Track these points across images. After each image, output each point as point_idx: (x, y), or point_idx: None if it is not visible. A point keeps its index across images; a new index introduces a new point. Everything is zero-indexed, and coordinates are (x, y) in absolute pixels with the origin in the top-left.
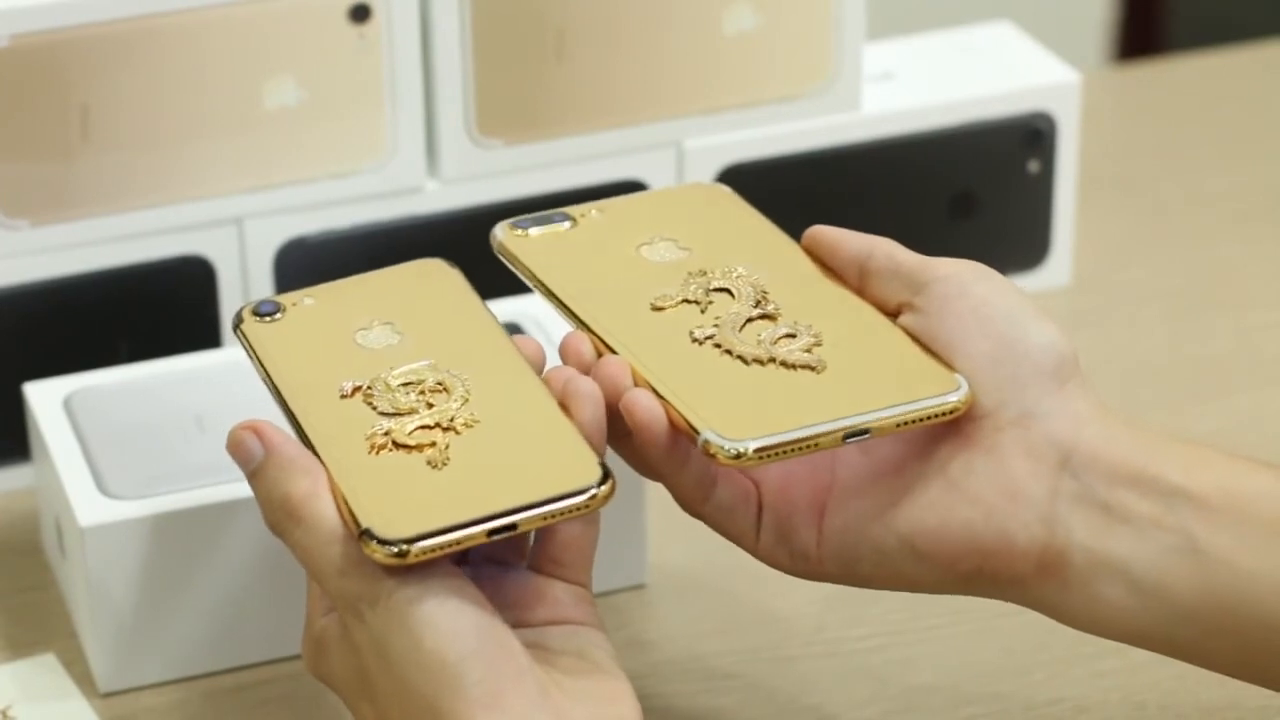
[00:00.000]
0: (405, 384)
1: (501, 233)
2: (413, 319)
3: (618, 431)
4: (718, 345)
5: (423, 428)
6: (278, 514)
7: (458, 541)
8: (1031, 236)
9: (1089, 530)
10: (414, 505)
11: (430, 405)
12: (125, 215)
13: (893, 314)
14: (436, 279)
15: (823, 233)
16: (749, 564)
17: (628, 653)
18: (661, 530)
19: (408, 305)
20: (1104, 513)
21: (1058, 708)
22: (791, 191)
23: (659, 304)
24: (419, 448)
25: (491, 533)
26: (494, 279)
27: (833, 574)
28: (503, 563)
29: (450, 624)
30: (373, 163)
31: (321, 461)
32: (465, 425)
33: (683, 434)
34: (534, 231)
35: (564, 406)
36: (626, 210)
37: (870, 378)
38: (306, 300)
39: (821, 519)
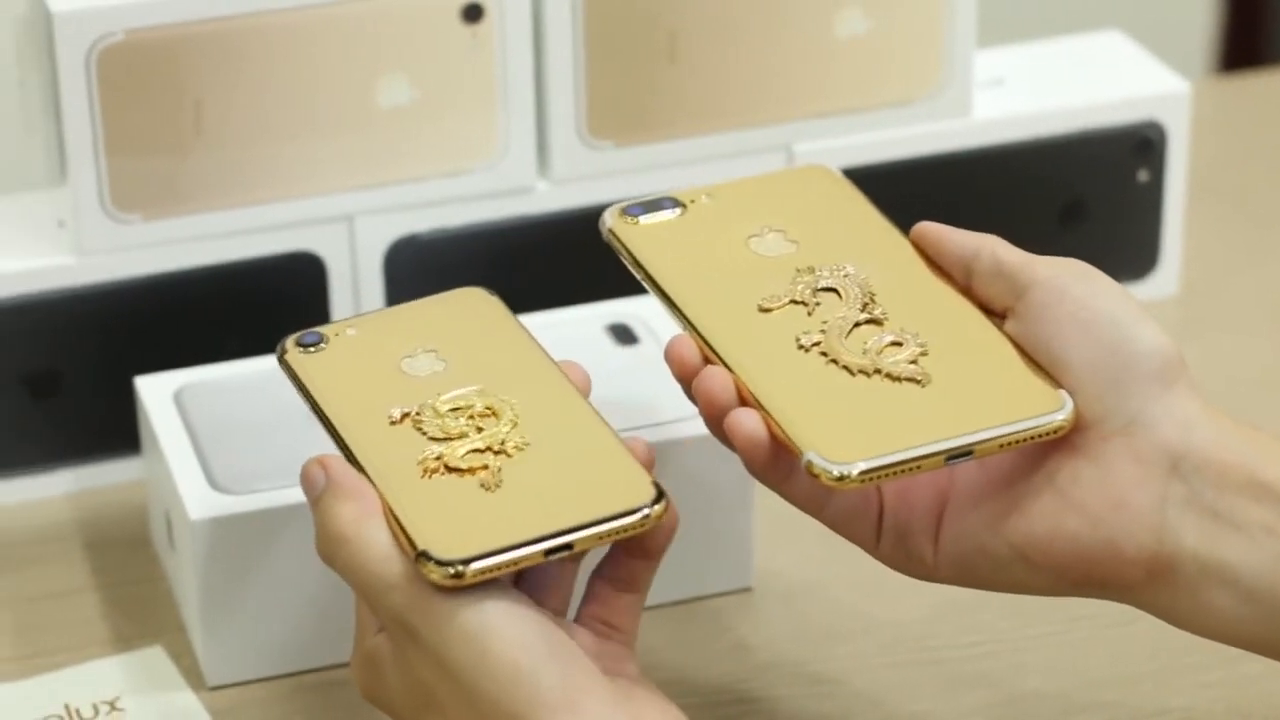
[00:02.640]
0: (454, 409)
1: (611, 219)
2: (457, 346)
3: (727, 441)
4: (824, 354)
5: (474, 451)
6: (329, 541)
7: (514, 561)
8: (1140, 245)
9: (1199, 536)
10: (469, 527)
11: (480, 429)
12: (237, 211)
13: (1000, 317)
14: (477, 307)
15: (930, 229)
16: (855, 569)
17: (733, 656)
18: (768, 534)
19: (451, 333)
20: (1214, 519)
21: (1165, 718)
22: (901, 197)
23: (766, 305)
24: (471, 471)
25: (548, 552)
26: (600, 278)
27: (948, 578)
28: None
29: (518, 631)
30: (484, 162)
31: (375, 486)
32: (516, 448)
33: (788, 453)
34: (644, 219)
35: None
36: (736, 195)
37: (975, 394)
38: (349, 330)
39: (939, 527)
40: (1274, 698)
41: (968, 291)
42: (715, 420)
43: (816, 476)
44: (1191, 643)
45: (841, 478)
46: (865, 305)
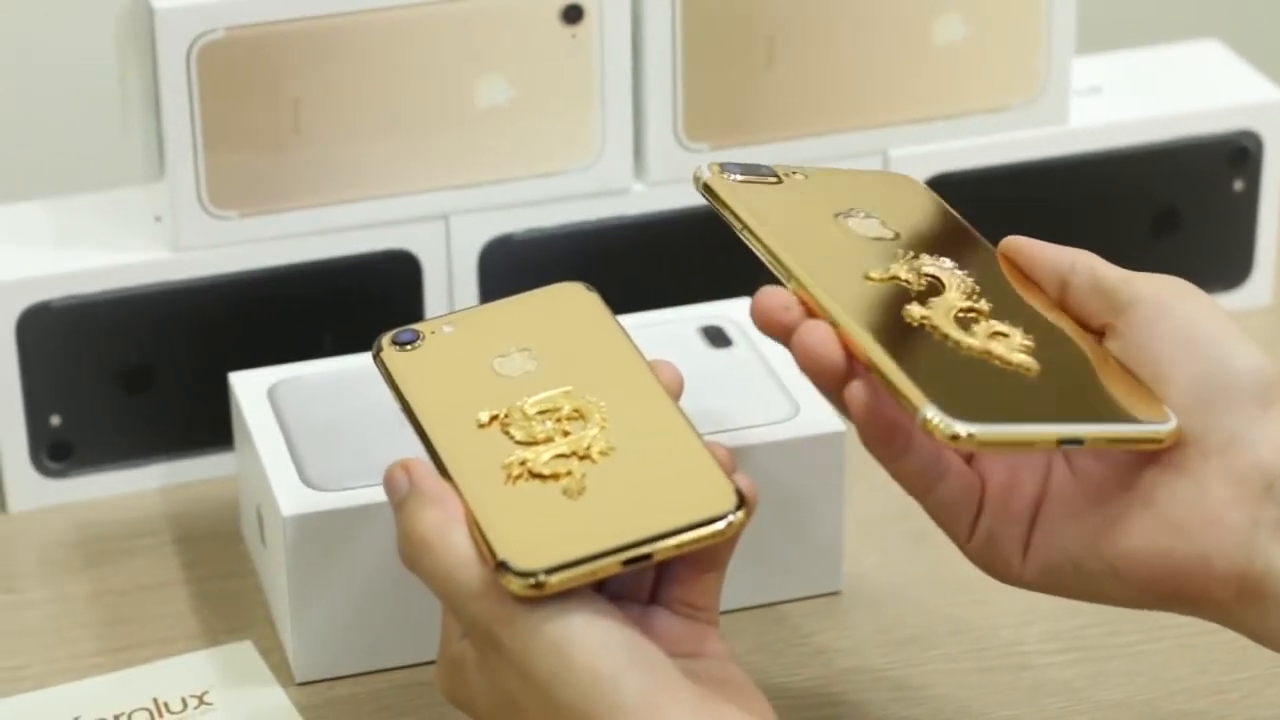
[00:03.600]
0: (541, 412)
1: (708, 172)
2: (550, 345)
3: (839, 401)
4: (934, 328)
5: (559, 456)
6: (412, 546)
7: (593, 572)
8: (1234, 255)
9: None
10: (549, 536)
11: (566, 433)
12: (333, 209)
13: (1096, 335)
14: (575, 303)
15: (1021, 242)
16: (944, 573)
17: (820, 659)
18: (857, 539)
19: (545, 331)
20: None
21: None
22: (996, 203)
23: (872, 275)
24: (555, 477)
25: (626, 562)
26: (695, 281)
27: (1032, 583)
28: (631, 599)
29: (599, 638)
30: (580, 163)
31: (458, 491)
32: (601, 453)
33: (900, 407)
34: (739, 178)
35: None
36: (831, 179)
37: (1084, 389)
38: (446, 328)
39: (1031, 531)
40: None
41: (1061, 307)
42: (818, 376)
43: (932, 433)
44: None
45: (956, 436)
46: (970, 295)
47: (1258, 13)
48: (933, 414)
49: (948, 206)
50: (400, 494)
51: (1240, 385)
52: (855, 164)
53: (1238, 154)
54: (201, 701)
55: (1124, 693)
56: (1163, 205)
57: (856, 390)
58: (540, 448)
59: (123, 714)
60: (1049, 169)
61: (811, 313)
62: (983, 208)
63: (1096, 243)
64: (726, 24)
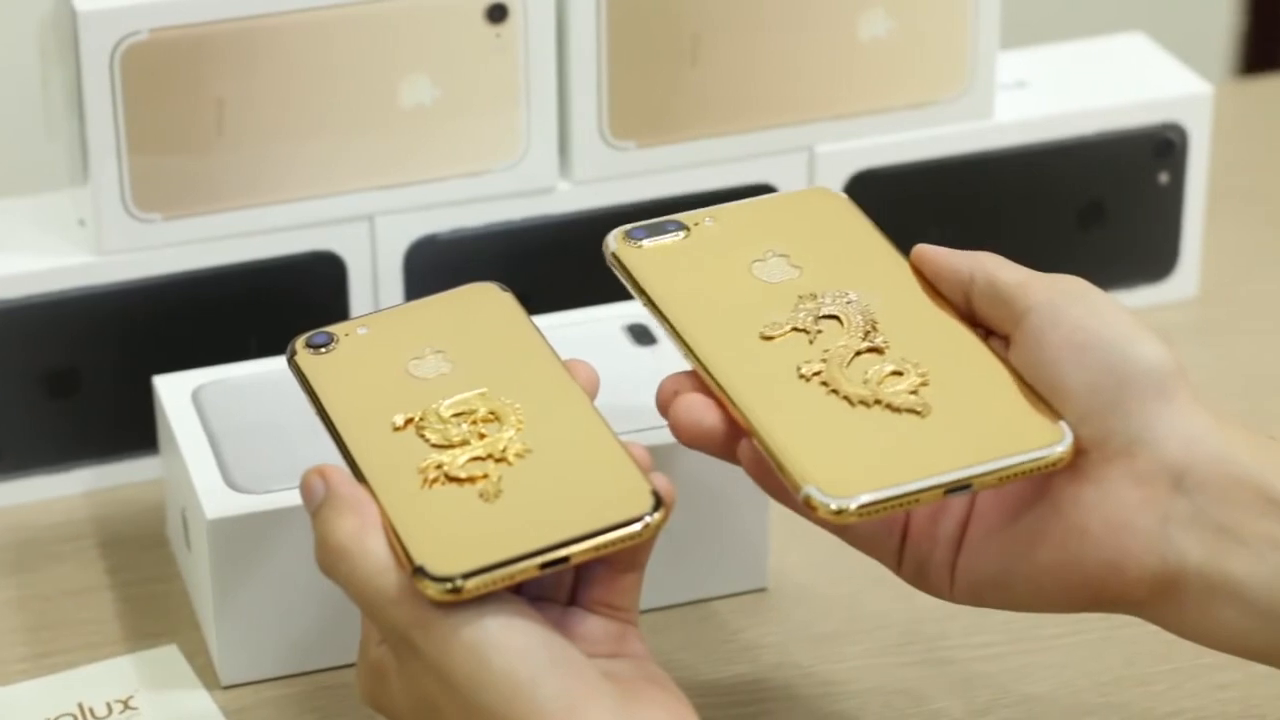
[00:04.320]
0: (457, 414)
1: (614, 243)
2: (465, 346)
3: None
4: (825, 383)
5: (475, 459)
6: (328, 553)
7: (510, 576)
8: (1160, 248)
9: (1203, 553)
10: (466, 540)
11: (482, 436)
12: (258, 210)
13: (1003, 341)
14: (490, 303)
15: (928, 252)
16: (870, 570)
17: (747, 656)
18: (782, 535)
19: (460, 332)
20: (1218, 533)
21: (1177, 719)
22: (922, 198)
23: (768, 333)
24: (471, 480)
25: (544, 566)
26: (616, 280)
27: (965, 601)
28: (550, 600)
29: (517, 642)
30: (505, 162)
31: (374, 496)
32: (517, 455)
33: (785, 483)
34: (647, 243)
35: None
36: (740, 218)
37: (974, 426)
38: (360, 330)
39: (957, 555)
40: None
41: (969, 316)
42: (701, 446)
43: (814, 510)
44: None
45: (840, 511)
46: (867, 333)
47: (1182, 5)
48: (813, 492)
49: (861, 217)
50: (316, 501)
51: (1137, 385)
52: (781, 161)
53: (1163, 147)
54: (126, 706)
55: (1050, 685)
56: (1088, 198)
57: (747, 450)
58: (456, 450)
59: (48, 719)
60: (975, 164)
61: (708, 389)
62: (909, 203)
63: (1022, 236)
64: (651, 22)
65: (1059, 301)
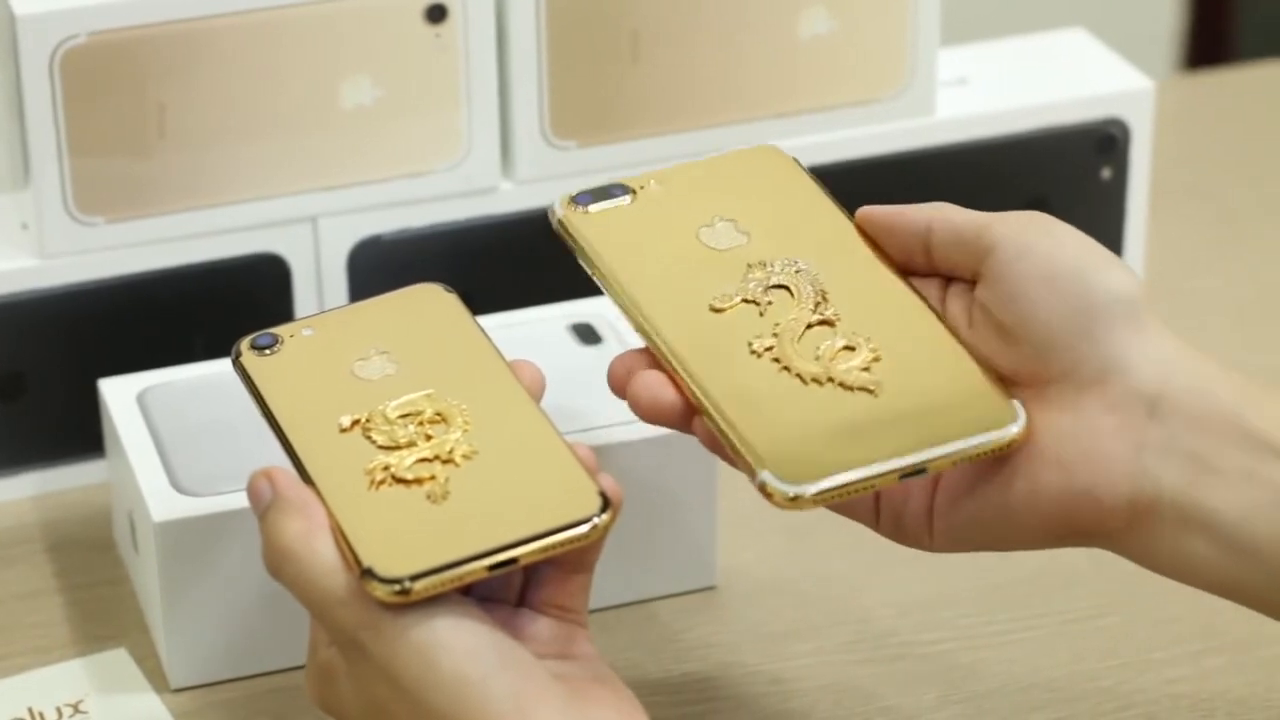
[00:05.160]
0: (403, 415)
1: (560, 208)
2: (410, 347)
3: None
4: (776, 359)
5: (422, 460)
6: (276, 555)
7: (458, 577)
8: (1103, 242)
9: (1177, 480)
10: (414, 541)
11: (429, 437)
12: (201, 212)
13: (969, 284)
14: (434, 305)
15: (878, 213)
16: (820, 566)
17: (697, 654)
18: (731, 533)
19: (405, 333)
20: (1192, 462)
21: (1126, 714)
22: (865, 195)
23: (718, 305)
24: (418, 481)
25: (492, 567)
26: (564, 278)
27: (945, 549)
28: (500, 601)
29: (466, 643)
30: (447, 162)
31: (321, 498)
32: (464, 457)
33: (740, 466)
34: (593, 208)
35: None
36: (687, 180)
37: (927, 405)
38: (305, 331)
39: (932, 507)
40: (1236, 692)
41: (923, 272)
42: (660, 422)
43: (770, 496)
44: (1155, 640)
45: (795, 499)
46: (817, 305)
47: (1124, 2)
48: (768, 478)
49: (804, 174)
50: (263, 503)
51: (1107, 312)
52: None
53: (1105, 142)
54: (76, 710)
55: (999, 681)
56: (1032, 194)
57: (701, 427)
58: (403, 452)
59: None
60: (917, 160)
61: (660, 365)
62: (852, 200)
63: None
64: (591, 20)
65: (1025, 234)
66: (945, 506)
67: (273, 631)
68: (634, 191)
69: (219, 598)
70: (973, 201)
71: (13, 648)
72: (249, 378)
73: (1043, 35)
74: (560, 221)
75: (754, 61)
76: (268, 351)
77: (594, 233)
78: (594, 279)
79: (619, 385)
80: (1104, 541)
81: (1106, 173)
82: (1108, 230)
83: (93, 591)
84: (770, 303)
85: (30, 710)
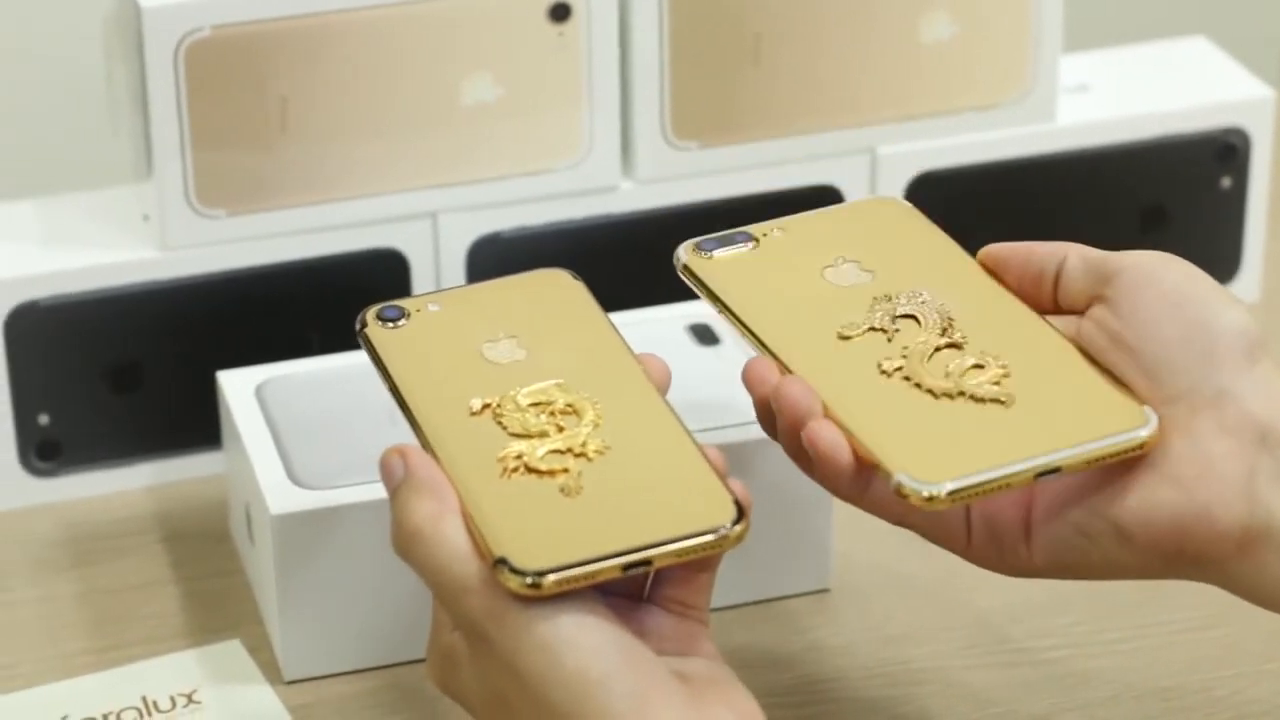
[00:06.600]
0: (535, 404)
1: (685, 254)
2: (539, 333)
3: (802, 455)
4: (907, 378)
5: (554, 452)
6: (404, 535)
7: (592, 575)
8: (1222, 252)
9: None
10: (548, 534)
11: (560, 429)
12: (321, 207)
13: (1084, 310)
14: (561, 291)
15: (1003, 249)
16: (933, 569)
17: (809, 657)
18: (846, 534)
19: (533, 318)
20: None
21: None
22: (983, 200)
23: (845, 333)
24: (552, 473)
25: (626, 567)
26: (678, 280)
27: (1043, 566)
28: (623, 596)
29: (590, 640)
30: (568, 161)
31: (452, 481)
32: (597, 452)
33: (870, 469)
34: (718, 254)
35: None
36: (808, 228)
37: (1059, 412)
38: (431, 306)
39: (1030, 516)
40: None
41: (1046, 309)
42: (794, 431)
43: (906, 497)
44: (1270, 650)
45: (931, 498)
46: (944, 330)
47: (1246, 9)
48: (904, 479)
49: (927, 222)
50: (395, 480)
51: (1227, 342)
52: (843, 162)
53: (1225, 151)
54: (190, 700)
55: (1112, 689)
56: (1150, 202)
57: (817, 434)
58: (535, 441)
59: (111, 713)
60: (1036, 167)
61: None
62: (970, 205)
63: (1083, 240)
64: (714, 22)
65: (1154, 264)
66: (1044, 517)
67: (387, 625)
68: (757, 239)
69: (334, 591)
70: (1092, 208)
71: (128, 637)
72: (374, 349)
73: (1164, 43)
74: (686, 266)
75: (875, 65)
76: (393, 324)
77: (720, 275)
78: (723, 318)
79: (761, 396)
80: (1210, 568)
81: (1226, 182)
82: (1226, 239)
83: (208, 583)
84: (898, 330)
85: (144, 700)
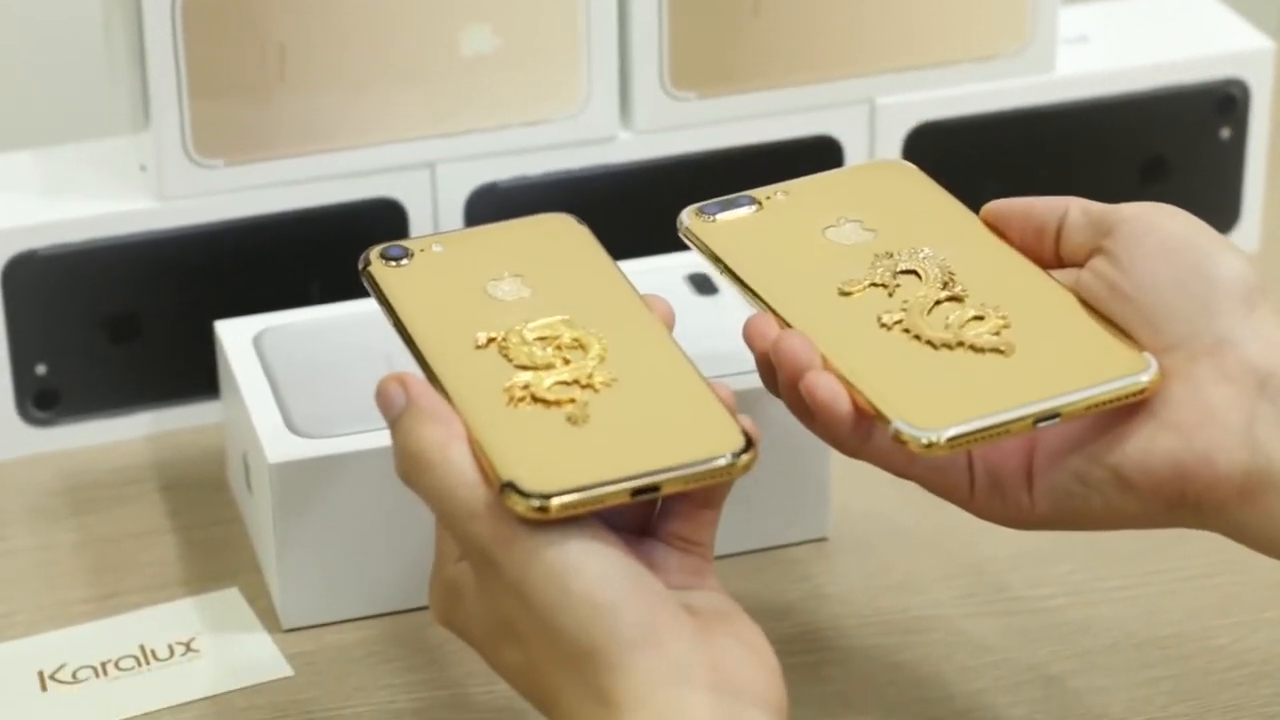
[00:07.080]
0: (541, 338)
1: (688, 218)
2: (543, 273)
3: (802, 408)
4: (906, 330)
5: (561, 383)
6: (410, 461)
7: (600, 499)
8: (1221, 203)
9: None
10: (555, 460)
11: (567, 361)
12: (319, 157)
13: (1084, 261)
14: (566, 234)
15: (1007, 202)
16: (932, 518)
17: (808, 606)
18: (844, 483)
19: (538, 259)
20: None
21: (1239, 673)
22: (982, 151)
23: (846, 288)
24: (559, 403)
25: (635, 492)
26: (677, 230)
27: (1045, 516)
28: (627, 531)
29: (599, 566)
30: (566, 112)
31: (458, 412)
32: (604, 383)
33: (870, 419)
34: (720, 217)
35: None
36: (811, 190)
37: (1059, 360)
38: (435, 247)
39: (1031, 465)
40: None
41: (1048, 263)
42: (794, 384)
43: (905, 444)
44: (1268, 599)
45: (930, 444)
46: (945, 284)
47: None
48: (903, 426)
49: (930, 182)
50: (395, 408)
51: (1225, 289)
52: (842, 112)
53: (1225, 102)
54: (188, 648)
55: (1112, 638)
56: (1150, 153)
57: (816, 384)
58: (541, 373)
59: (110, 660)
60: (1036, 117)
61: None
62: (969, 157)
63: (1083, 191)
64: None
65: (1154, 214)
66: (1045, 465)
67: (384, 572)
68: (759, 202)
69: (331, 539)
70: (1091, 159)
71: (126, 585)
72: (378, 287)
73: None
74: (688, 230)
75: (875, 14)
76: (396, 263)
77: (722, 237)
78: (723, 278)
79: (761, 350)
80: (1211, 515)
81: (1225, 133)
82: (1225, 190)
83: (205, 531)
84: (899, 285)
85: (142, 648)
